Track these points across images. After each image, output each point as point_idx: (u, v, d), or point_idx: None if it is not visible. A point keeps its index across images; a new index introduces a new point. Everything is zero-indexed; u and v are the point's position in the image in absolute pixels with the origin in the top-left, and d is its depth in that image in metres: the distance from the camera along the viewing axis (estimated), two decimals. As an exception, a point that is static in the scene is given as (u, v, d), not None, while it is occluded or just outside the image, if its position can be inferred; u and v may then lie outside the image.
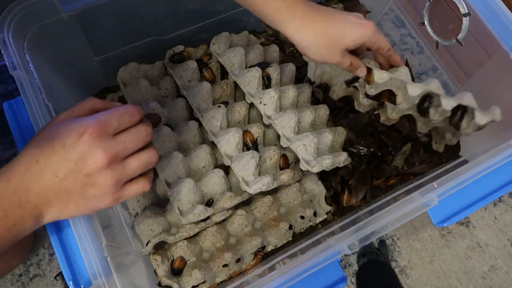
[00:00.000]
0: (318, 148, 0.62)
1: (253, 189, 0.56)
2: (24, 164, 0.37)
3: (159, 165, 0.58)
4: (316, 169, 0.57)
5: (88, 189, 0.38)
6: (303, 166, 0.59)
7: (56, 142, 0.37)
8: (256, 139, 0.64)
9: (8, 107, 0.65)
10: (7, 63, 0.52)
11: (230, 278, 0.62)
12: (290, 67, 0.72)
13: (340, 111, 0.75)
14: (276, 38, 0.80)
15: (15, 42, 0.54)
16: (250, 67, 0.68)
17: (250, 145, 0.62)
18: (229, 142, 0.60)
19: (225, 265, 0.60)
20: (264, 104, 0.64)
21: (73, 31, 0.62)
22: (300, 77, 0.76)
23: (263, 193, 0.59)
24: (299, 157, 0.59)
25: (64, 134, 0.37)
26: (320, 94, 0.75)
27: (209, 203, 0.59)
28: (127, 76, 0.68)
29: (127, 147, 0.39)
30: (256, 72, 0.65)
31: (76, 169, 0.37)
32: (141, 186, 0.41)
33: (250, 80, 0.66)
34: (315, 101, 0.75)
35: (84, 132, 0.36)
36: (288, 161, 0.64)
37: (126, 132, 0.39)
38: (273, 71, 0.68)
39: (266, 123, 0.64)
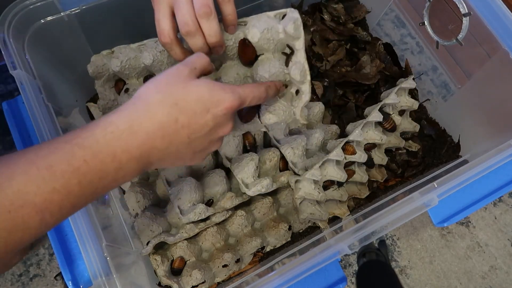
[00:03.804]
0: (308, 148, 0.63)
1: (252, 192, 0.56)
2: (158, 121, 0.36)
3: None
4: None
5: (201, 152, 0.41)
6: (290, 168, 0.60)
7: (199, 105, 0.37)
8: (255, 140, 0.64)
9: (8, 107, 0.65)
10: (7, 63, 0.52)
11: (230, 278, 0.62)
12: None
13: (340, 109, 0.76)
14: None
15: (15, 42, 0.54)
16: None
17: (249, 148, 0.62)
18: (228, 144, 0.60)
19: (224, 266, 0.60)
20: None
21: (73, 31, 0.62)
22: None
23: (263, 194, 0.59)
24: (287, 160, 0.60)
25: (210, 99, 0.38)
26: (320, 88, 0.75)
27: (208, 203, 0.59)
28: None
29: (223, 134, 0.42)
30: None
31: (207, 135, 0.39)
32: None
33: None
34: (313, 97, 0.75)
35: (228, 104, 0.39)
36: (287, 163, 0.64)
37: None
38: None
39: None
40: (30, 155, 0.32)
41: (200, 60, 0.41)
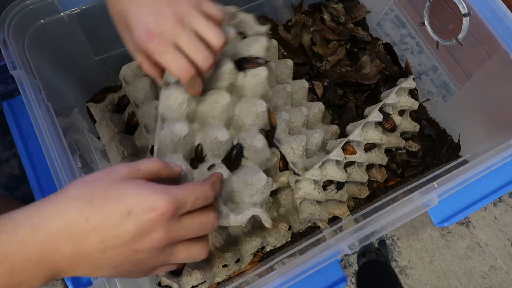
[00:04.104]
0: (308, 148, 0.63)
1: None
2: (65, 218, 0.30)
3: None
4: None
5: (126, 265, 0.33)
6: (290, 168, 0.60)
7: (118, 205, 0.31)
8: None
9: (8, 107, 0.65)
10: (7, 63, 0.52)
11: (230, 278, 0.62)
12: (288, 63, 0.71)
13: (340, 109, 0.76)
14: (275, 33, 0.80)
15: (15, 42, 0.54)
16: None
17: None
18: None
19: (225, 266, 0.60)
20: None
21: (73, 31, 0.62)
22: (299, 73, 0.76)
23: (263, 193, 0.59)
24: (287, 160, 0.60)
25: (134, 200, 0.31)
26: (320, 88, 0.75)
27: (209, 203, 0.59)
28: (129, 74, 0.68)
29: (187, 234, 0.35)
30: None
31: (128, 244, 0.31)
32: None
33: None
34: (313, 97, 0.75)
35: (158, 209, 0.31)
36: (287, 163, 0.64)
37: (193, 217, 0.35)
38: (270, 69, 0.68)
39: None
40: None
41: (150, 163, 0.36)
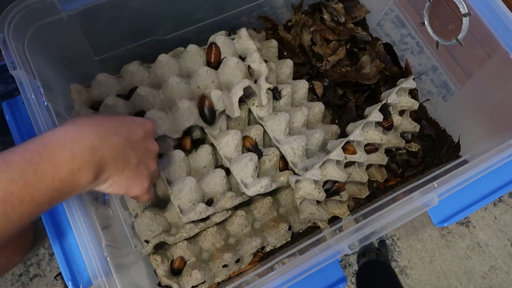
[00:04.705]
0: (308, 148, 0.63)
1: (251, 191, 0.56)
2: (103, 115, 0.44)
3: (160, 163, 0.58)
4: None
5: (140, 164, 0.45)
6: (290, 168, 0.60)
7: (126, 119, 0.45)
8: (256, 141, 0.64)
9: (8, 107, 0.65)
10: (7, 63, 0.52)
11: (230, 278, 0.62)
12: (288, 63, 0.71)
13: (340, 109, 0.76)
14: (275, 33, 0.80)
15: (15, 42, 0.54)
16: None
17: (252, 148, 0.62)
18: (228, 144, 0.60)
19: (224, 266, 0.60)
20: (257, 106, 0.64)
21: (73, 31, 0.62)
22: (299, 73, 0.76)
23: (263, 194, 0.59)
24: (287, 160, 0.60)
25: (132, 117, 0.47)
26: (320, 88, 0.74)
27: (208, 202, 0.59)
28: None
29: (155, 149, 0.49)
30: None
31: (141, 139, 0.45)
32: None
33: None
34: (313, 97, 0.75)
35: (149, 122, 0.48)
36: (287, 163, 0.64)
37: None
38: (270, 69, 0.68)
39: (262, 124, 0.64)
40: None
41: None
